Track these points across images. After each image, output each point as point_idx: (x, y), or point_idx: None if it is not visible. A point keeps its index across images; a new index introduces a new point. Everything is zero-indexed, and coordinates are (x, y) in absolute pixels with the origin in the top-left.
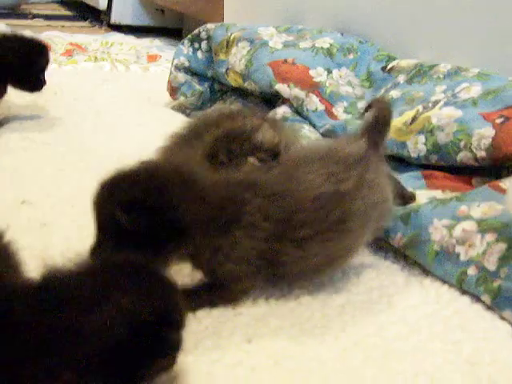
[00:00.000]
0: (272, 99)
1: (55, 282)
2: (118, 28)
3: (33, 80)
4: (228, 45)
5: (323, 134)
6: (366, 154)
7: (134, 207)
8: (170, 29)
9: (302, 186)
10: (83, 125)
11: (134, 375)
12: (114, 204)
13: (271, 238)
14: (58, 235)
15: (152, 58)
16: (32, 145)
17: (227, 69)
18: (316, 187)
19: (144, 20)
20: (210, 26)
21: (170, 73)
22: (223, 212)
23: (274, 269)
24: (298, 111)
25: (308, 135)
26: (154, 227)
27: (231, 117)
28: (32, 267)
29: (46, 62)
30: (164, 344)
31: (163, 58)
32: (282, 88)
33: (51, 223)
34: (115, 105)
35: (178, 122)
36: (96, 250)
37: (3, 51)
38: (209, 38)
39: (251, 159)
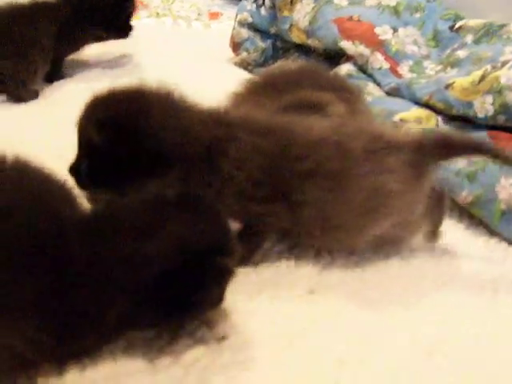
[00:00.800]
0: (335, 57)
1: (109, 214)
2: None
3: (121, 25)
4: (292, 1)
5: (387, 93)
6: (400, 142)
7: (106, 126)
8: None
9: (302, 128)
10: (147, 80)
11: (186, 302)
12: (90, 121)
13: (265, 171)
14: None
15: (213, 16)
16: None
17: (291, 25)
18: (318, 132)
19: None
20: None
21: (233, 28)
22: (211, 146)
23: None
24: (363, 69)
25: (372, 92)
26: (128, 151)
27: (312, 78)
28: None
29: (134, 6)
30: (216, 272)
31: (225, 16)
32: (346, 45)
33: None
34: (177, 60)
35: (241, 78)
36: (73, 169)
37: None
38: None
39: None
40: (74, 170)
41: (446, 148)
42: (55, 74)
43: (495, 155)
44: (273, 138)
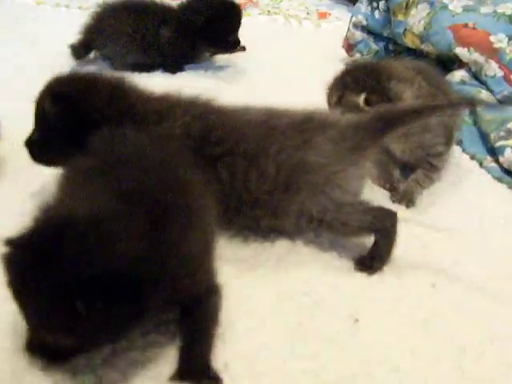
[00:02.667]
0: (447, 63)
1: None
2: None
3: (226, 41)
4: (407, 6)
5: (500, 101)
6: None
7: (59, 98)
8: None
9: (236, 113)
10: (259, 77)
11: None
12: (46, 95)
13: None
14: None
15: (322, 15)
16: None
17: (405, 30)
18: (249, 116)
19: None
20: None
21: (348, 30)
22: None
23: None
24: (476, 76)
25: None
26: (75, 121)
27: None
28: None
29: (238, 22)
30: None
31: (333, 16)
32: (461, 52)
33: None
34: (290, 59)
35: None
36: (28, 141)
37: (196, 13)
38: None
39: (362, 96)
40: (29, 142)
41: (383, 121)
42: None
43: (438, 109)
44: (202, 121)
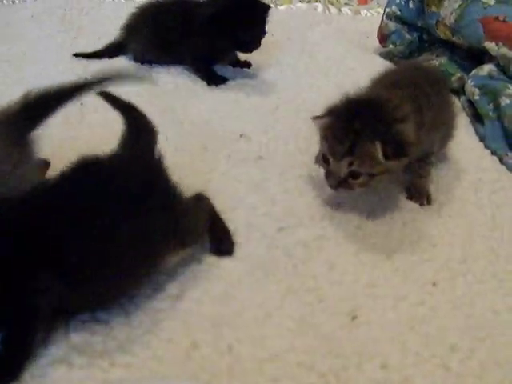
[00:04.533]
0: (479, 55)
1: None
2: None
3: (252, 41)
4: None
5: None
6: None
7: None
8: None
9: None
10: (297, 65)
11: None
12: None
13: None
14: (271, 169)
15: (363, 1)
16: (251, 81)
17: (437, 21)
18: None
19: None
20: None
21: (382, 20)
22: None
23: None
24: (505, 70)
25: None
26: None
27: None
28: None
29: (251, 20)
30: None
31: (374, 1)
32: (490, 46)
33: (266, 157)
34: (327, 47)
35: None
36: None
37: (227, 11)
38: None
39: (378, 147)
40: None
41: (33, 109)
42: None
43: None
44: None
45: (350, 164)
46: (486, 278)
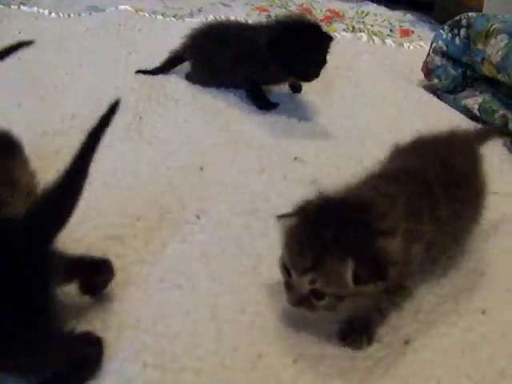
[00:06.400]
0: None
1: None
2: None
3: (312, 70)
4: (487, 35)
5: None
6: None
7: None
8: (421, 2)
9: None
10: (345, 93)
11: None
12: None
13: None
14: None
15: (405, 33)
16: (302, 106)
17: (483, 58)
18: None
19: None
20: (471, 14)
21: (428, 55)
22: None
23: None
24: None
25: None
26: None
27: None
28: None
29: (307, 50)
30: None
31: (415, 35)
32: None
33: (320, 181)
34: (372, 77)
35: (431, 107)
36: None
37: (288, 37)
38: (468, 26)
39: (349, 263)
40: None
41: None
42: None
43: None
44: None
45: (313, 281)
46: None
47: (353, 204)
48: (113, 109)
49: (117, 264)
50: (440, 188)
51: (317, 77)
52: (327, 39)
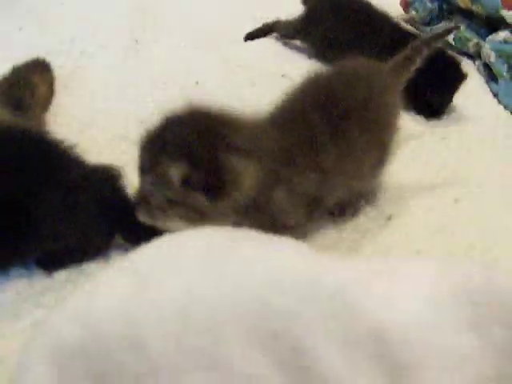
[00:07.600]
0: (496, 24)
1: None
2: None
3: (440, 106)
4: None
5: None
6: None
7: None
8: None
9: None
10: None
11: None
12: None
13: None
14: None
15: None
16: None
17: None
18: None
19: None
20: None
21: None
22: None
23: None
24: None
25: None
26: None
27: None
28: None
29: (437, 87)
30: None
31: None
32: (506, 14)
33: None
34: None
35: None
36: None
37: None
38: None
39: (177, 170)
40: None
41: None
42: None
43: None
44: None
45: (152, 183)
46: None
47: (216, 119)
48: None
49: None
50: (325, 126)
51: (443, 114)
52: (463, 77)
